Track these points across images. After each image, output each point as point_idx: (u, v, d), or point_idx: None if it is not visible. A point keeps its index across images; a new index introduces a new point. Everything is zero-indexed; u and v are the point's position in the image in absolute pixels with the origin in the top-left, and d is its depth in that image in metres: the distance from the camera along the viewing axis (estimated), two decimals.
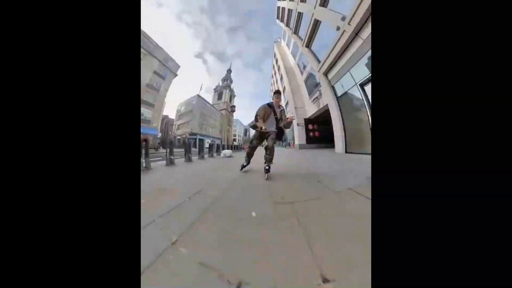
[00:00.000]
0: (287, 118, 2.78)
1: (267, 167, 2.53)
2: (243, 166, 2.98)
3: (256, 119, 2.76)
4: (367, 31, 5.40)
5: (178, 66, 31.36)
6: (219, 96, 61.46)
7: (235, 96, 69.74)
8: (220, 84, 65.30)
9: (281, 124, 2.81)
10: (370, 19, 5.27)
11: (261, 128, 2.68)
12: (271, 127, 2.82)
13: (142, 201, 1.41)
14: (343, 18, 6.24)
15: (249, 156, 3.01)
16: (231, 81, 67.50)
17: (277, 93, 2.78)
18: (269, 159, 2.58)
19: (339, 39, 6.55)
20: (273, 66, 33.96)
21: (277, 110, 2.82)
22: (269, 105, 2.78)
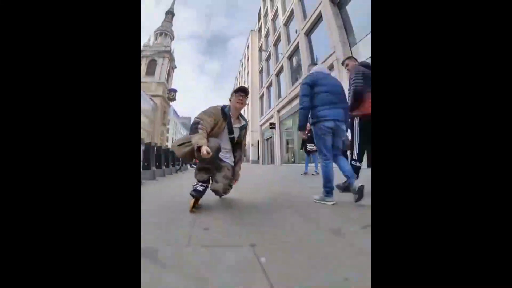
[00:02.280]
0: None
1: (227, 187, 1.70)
2: (194, 197, 1.53)
3: (193, 129, 1.51)
4: None
5: None
6: (149, 68, 31.80)
7: (175, 68, 34.55)
8: (153, 43, 33.80)
9: (238, 155, 1.79)
10: None
11: (199, 149, 1.38)
12: (222, 151, 1.61)
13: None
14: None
15: (207, 170, 1.60)
16: (173, 38, 33.39)
17: (241, 91, 1.70)
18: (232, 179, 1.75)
19: None
20: (244, 57, 24.43)
21: (235, 126, 1.71)
22: (223, 110, 1.67)
